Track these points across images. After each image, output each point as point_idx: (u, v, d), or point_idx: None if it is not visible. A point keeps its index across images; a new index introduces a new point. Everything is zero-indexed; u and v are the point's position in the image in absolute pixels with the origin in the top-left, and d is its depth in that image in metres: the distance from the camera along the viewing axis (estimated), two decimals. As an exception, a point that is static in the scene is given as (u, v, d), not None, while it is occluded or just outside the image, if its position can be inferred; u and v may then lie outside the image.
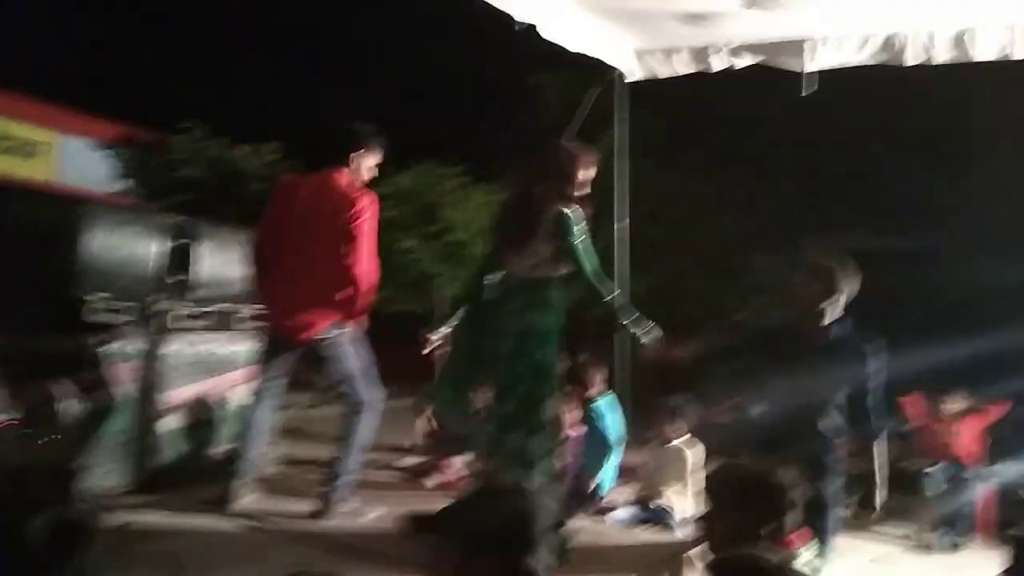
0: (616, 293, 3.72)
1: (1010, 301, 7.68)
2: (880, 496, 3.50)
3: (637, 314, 3.66)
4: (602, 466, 5.21)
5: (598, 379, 5.30)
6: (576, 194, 3.64)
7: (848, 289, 3.45)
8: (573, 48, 5.70)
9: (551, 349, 3.58)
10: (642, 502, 5.16)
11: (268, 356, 4.12)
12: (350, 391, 4.06)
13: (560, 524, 1.75)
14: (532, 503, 1.68)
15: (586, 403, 5.23)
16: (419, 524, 3.57)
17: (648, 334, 3.58)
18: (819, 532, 3.09)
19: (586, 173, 3.68)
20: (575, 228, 3.55)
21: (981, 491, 6.60)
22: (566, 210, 3.56)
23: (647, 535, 4.34)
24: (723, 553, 1.89)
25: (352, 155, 4.05)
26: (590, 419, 5.24)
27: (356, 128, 4.14)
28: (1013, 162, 9.56)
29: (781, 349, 3.44)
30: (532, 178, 3.70)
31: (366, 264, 3.99)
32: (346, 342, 4.05)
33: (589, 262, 3.57)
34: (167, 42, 13.85)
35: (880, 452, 3.52)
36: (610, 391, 5.48)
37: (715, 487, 2.24)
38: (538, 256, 3.56)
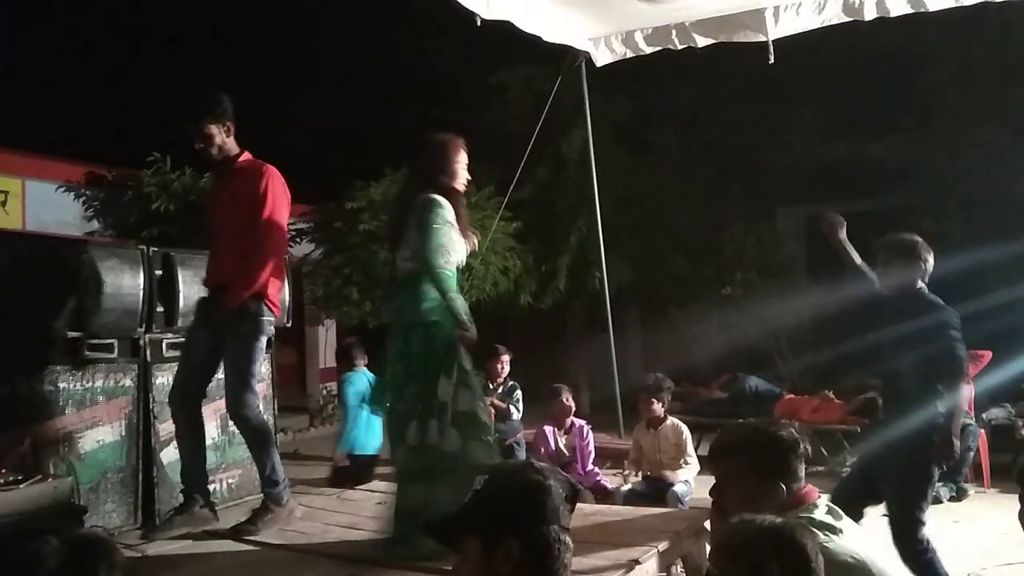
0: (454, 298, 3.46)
1: (971, 255, 7.81)
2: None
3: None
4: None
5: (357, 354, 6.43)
6: (449, 182, 3.57)
7: (930, 259, 3.86)
8: (536, 34, 5.75)
9: (438, 340, 3.43)
10: (649, 480, 5.21)
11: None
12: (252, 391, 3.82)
13: (575, 492, 1.75)
14: (543, 474, 1.67)
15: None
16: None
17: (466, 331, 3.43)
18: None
19: (461, 158, 3.63)
20: (437, 212, 3.44)
21: (980, 437, 6.67)
22: (434, 196, 3.49)
23: (658, 511, 4.36)
24: (737, 521, 1.86)
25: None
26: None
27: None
28: (966, 115, 9.67)
29: (885, 317, 3.89)
30: (409, 171, 3.83)
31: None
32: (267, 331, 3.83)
33: (441, 252, 3.42)
34: (122, 79, 13.68)
35: None
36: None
37: (725, 447, 2.23)
38: (410, 247, 3.48)
